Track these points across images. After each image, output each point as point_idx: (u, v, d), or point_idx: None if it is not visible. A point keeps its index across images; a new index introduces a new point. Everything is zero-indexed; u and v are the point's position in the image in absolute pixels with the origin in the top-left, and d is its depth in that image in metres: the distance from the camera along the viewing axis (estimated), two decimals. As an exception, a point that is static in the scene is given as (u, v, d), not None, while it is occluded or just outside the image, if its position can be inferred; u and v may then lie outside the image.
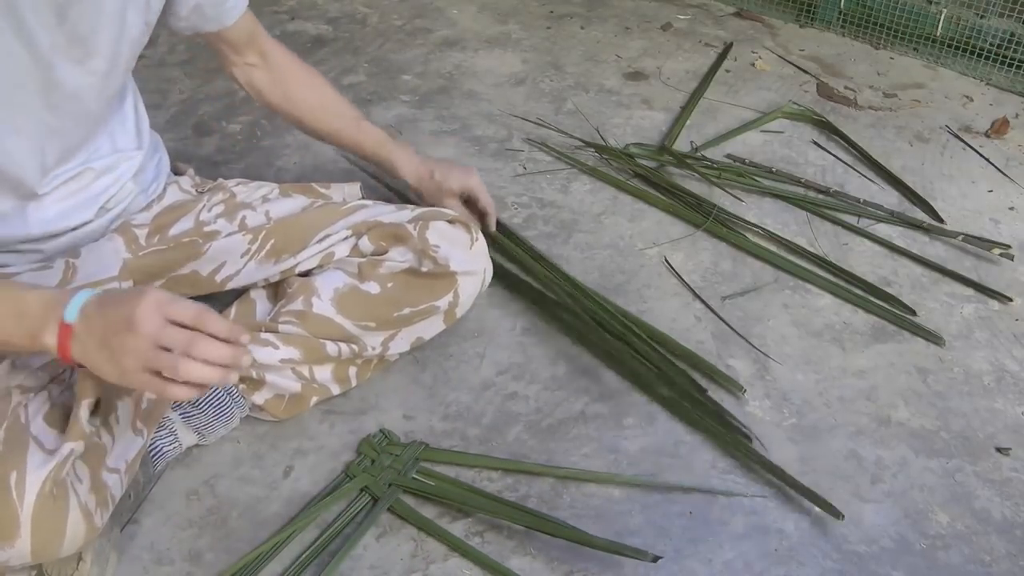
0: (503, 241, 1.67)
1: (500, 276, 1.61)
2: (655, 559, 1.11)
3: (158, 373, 0.86)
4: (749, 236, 1.75)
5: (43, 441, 0.94)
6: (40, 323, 0.88)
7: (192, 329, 0.87)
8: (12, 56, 0.96)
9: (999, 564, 1.17)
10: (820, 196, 1.87)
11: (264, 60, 1.35)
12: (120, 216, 1.22)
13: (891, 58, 2.48)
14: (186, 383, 0.87)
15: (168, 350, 0.86)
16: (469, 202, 1.53)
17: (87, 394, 0.99)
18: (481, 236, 1.37)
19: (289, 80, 1.38)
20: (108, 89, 1.11)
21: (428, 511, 1.21)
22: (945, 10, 2.41)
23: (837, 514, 1.20)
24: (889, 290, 1.61)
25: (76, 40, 1.01)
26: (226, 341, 0.88)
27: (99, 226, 1.19)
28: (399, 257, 1.29)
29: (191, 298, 1.29)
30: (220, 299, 1.32)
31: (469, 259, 1.33)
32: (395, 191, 1.80)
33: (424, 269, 1.30)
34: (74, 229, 1.16)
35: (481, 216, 1.55)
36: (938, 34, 2.45)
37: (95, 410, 1.02)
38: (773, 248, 1.72)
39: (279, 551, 1.14)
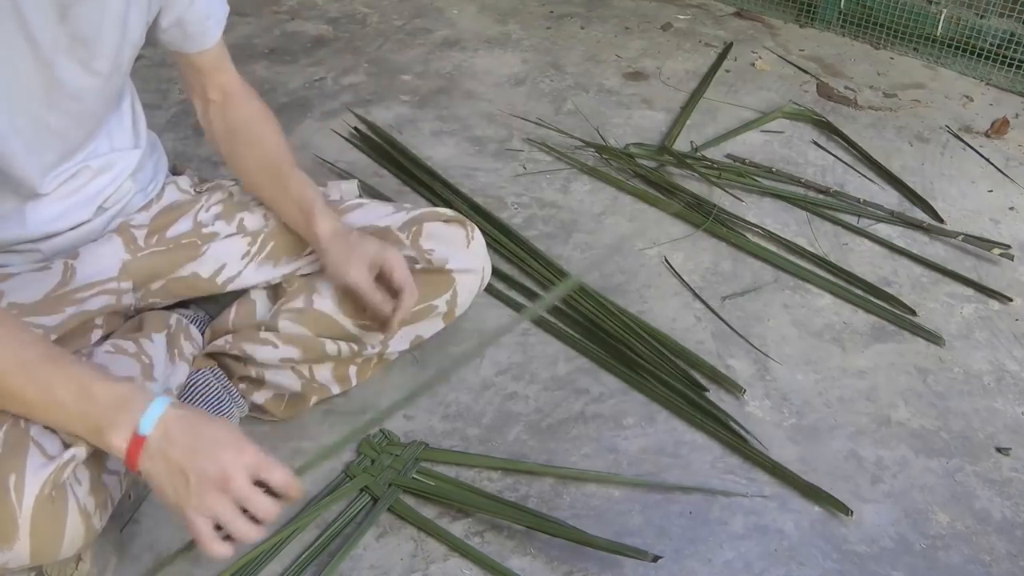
0: (503, 241, 1.68)
1: (500, 276, 1.61)
2: (655, 559, 1.11)
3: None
4: (749, 236, 1.74)
5: (43, 444, 0.94)
6: (106, 419, 0.87)
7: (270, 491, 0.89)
8: (14, 54, 0.95)
9: (999, 564, 1.17)
10: (820, 196, 1.87)
11: (224, 100, 1.27)
12: (118, 216, 1.22)
13: (891, 58, 2.48)
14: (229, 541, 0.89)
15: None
16: (382, 277, 1.22)
17: None
18: (478, 234, 1.36)
19: (239, 134, 1.27)
20: (109, 90, 1.11)
21: (428, 511, 1.21)
22: (945, 10, 2.41)
23: (845, 510, 1.21)
24: (889, 290, 1.61)
25: (79, 40, 1.01)
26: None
27: (97, 225, 1.19)
28: None
29: (191, 299, 1.31)
30: (220, 299, 1.32)
31: (466, 257, 1.33)
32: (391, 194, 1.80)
33: (418, 266, 1.29)
34: (72, 229, 1.15)
35: (395, 295, 1.22)
36: (938, 34, 2.45)
37: None
38: (773, 248, 1.72)
39: (279, 551, 1.14)
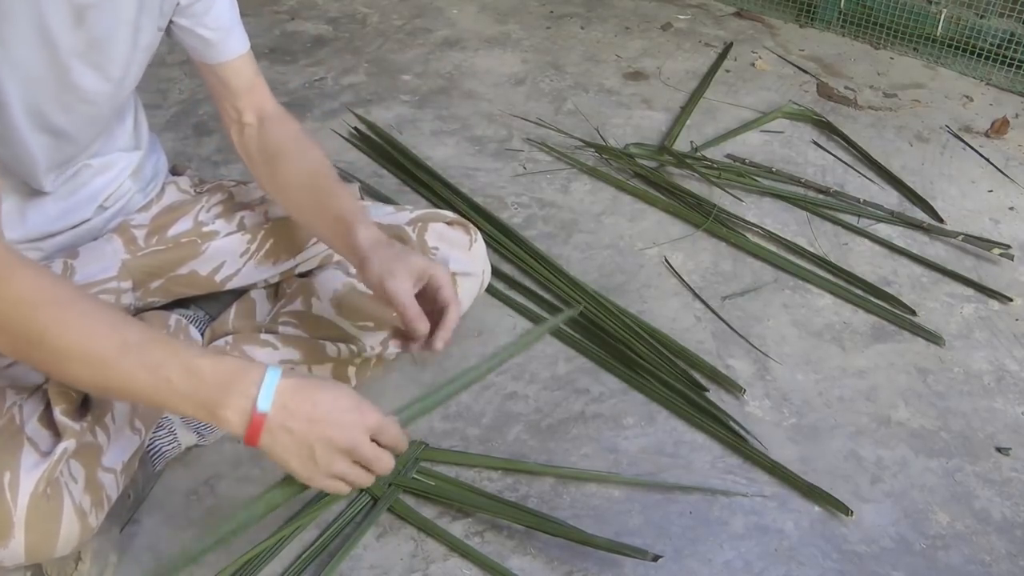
0: (503, 241, 1.68)
1: (500, 276, 1.61)
2: (655, 558, 1.11)
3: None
4: (749, 236, 1.74)
5: (38, 442, 0.94)
6: (218, 396, 0.85)
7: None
8: (32, 56, 0.96)
9: (999, 564, 1.17)
10: (820, 196, 1.87)
11: (260, 123, 1.22)
12: (118, 215, 1.22)
13: (891, 58, 2.48)
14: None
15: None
16: (425, 293, 1.10)
17: (60, 401, 0.98)
18: (480, 238, 1.36)
19: (276, 153, 1.21)
20: (121, 95, 1.11)
21: (428, 511, 1.21)
22: (945, 10, 2.41)
23: (845, 510, 1.21)
24: (889, 290, 1.61)
25: (93, 45, 1.01)
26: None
27: (97, 224, 1.19)
28: None
29: (191, 299, 1.30)
30: (220, 299, 1.32)
31: (468, 260, 1.33)
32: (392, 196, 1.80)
33: None
34: (72, 228, 1.15)
35: (436, 315, 1.09)
36: (938, 34, 2.45)
37: (84, 412, 1.01)
38: (773, 248, 1.72)
39: (279, 551, 1.14)
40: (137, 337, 0.86)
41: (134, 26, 1.05)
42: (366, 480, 0.92)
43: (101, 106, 1.08)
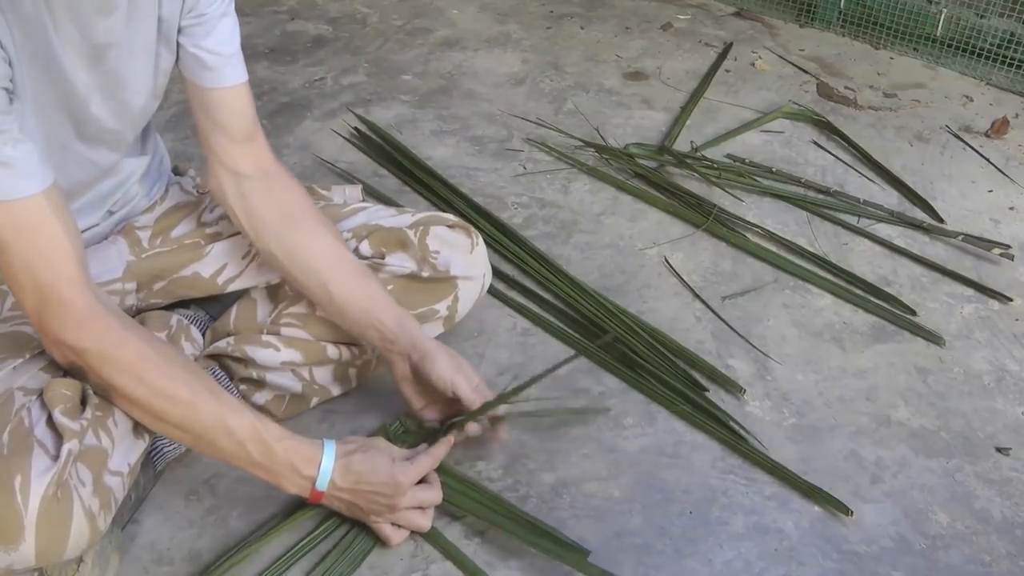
0: (503, 241, 1.68)
1: (500, 276, 1.61)
2: None
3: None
4: (749, 236, 1.75)
5: (47, 445, 0.94)
6: (284, 473, 1.05)
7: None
8: (47, 96, 0.98)
9: (999, 564, 1.17)
10: (820, 196, 1.87)
11: (265, 179, 1.18)
12: (124, 218, 1.22)
13: (891, 58, 2.49)
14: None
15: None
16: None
17: (58, 402, 0.98)
18: (481, 241, 1.37)
19: (298, 221, 1.18)
20: (144, 120, 1.13)
21: (428, 511, 1.20)
22: (945, 10, 2.42)
23: (845, 510, 1.21)
24: (889, 290, 1.61)
25: (114, 79, 1.04)
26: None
27: (104, 229, 1.20)
28: (400, 263, 1.29)
29: (192, 299, 1.31)
30: (221, 299, 1.32)
31: (469, 264, 1.33)
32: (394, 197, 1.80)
33: (424, 275, 1.30)
34: (81, 232, 1.16)
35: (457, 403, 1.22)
36: (938, 34, 2.45)
37: (83, 409, 1.01)
38: (773, 248, 1.72)
39: (275, 545, 1.14)
40: (235, 419, 1.02)
41: (154, 52, 1.07)
42: (412, 518, 1.13)
43: (125, 134, 1.10)
